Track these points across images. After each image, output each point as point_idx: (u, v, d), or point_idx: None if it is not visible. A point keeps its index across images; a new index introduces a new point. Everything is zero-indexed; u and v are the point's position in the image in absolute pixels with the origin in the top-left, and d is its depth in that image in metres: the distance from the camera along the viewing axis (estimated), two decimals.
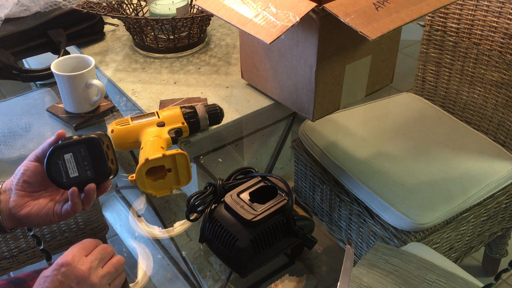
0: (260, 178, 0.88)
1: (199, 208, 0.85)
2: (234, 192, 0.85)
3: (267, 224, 0.81)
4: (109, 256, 0.70)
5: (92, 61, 1.12)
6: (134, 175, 0.89)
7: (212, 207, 0.86)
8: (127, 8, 1.40)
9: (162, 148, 0.92)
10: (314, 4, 0.87)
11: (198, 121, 1.01)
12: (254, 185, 0.86)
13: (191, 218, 0.87)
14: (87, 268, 0.66)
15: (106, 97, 1.18)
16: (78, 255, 0.67)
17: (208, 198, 0.86)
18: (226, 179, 0.90)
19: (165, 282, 0.92)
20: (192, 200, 0.85)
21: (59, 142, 0.75)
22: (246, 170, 0.91)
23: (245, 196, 0.84)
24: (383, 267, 0.93)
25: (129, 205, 1.18)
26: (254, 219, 0.80)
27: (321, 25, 0.93)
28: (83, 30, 1.36)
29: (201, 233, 0.85)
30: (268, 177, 0.88)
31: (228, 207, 0.83)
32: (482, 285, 0.77)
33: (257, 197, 0.85)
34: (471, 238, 1.24)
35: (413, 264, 0.93)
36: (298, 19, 0.86)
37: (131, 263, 0.97)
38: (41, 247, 0.80)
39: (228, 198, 0.84)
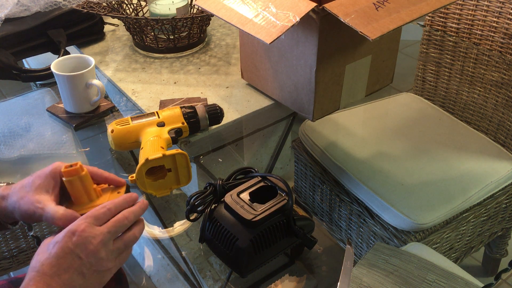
0: (260, 178, 0.88)
1: (199, 208, 0.85)
2: (234, 192, 0.85)
3: (267, 224, 0.80)
4: (123, 230, 0.69)
5: (92, 61, 1.12)
6: (134, 175, 0.89)
7: (212, 207, 0.86)
8: (127, 8, 1.40)
9: (162, 148, 0.92)
10: (314, 4, 0.87)
11: (198, 121, 1.01)
12: (254, 185, 0.86)
13: (191, 218, 0.87)
14: (98, 241, 0.65)
15: (106, 97, 1.18)
16: (91, 226, 0.66)
17: (208, 198, 0.86)
18: (226, 179, 0.90)
19: (165, 282, 0.92)
20: (192, 200, 0.85)
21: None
22: (246, 170, 0.91)
23: (245, 196, 0.84)
24: (383, 267, 0.93)
25: None
26: (254, 219, 0.79)
27: (321, 25, 0.93)
28: (83, 30, 1.36)
29: (201, 233, 0.85)
30: (268, 177, 0.88)
31: (228, 207, 0.83)
32: (482, 285, 0.77)
33: (257, 197, 0.85)
34: (471, 238, 1.24)
35: (413, 264, 0.93)
36: (298, 19, 0.86)
37: (131, 263, 0.97)
38: None
39: (228, 198, 0.84)
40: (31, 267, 0.64)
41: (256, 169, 0.91)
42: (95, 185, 0.76)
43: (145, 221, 0.98)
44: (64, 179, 0.72)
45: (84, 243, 0.64)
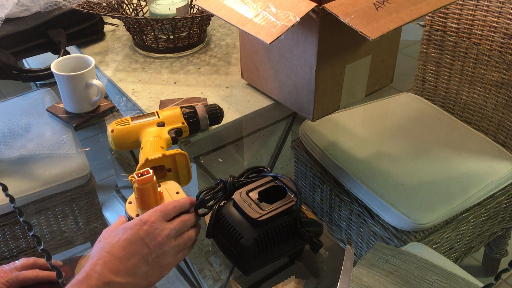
0: (271, 178, 0.88)
1: (209, 204, 0.86)
2: (243, 190, 0.85)
3: (273, 224, 0.80)
4: (185, 229, 0.74)
5: (92, 61, 1.12)
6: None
7: (222, 203, 0.86)
8: (127, 8, 1.40)
9: (162, 148, 0.92)
10: (314, 4, 0.87)
11: (198, 121, 1.01)
12: (264, 184, 0.86)
13: (200, 213, 0.87)
14: (165, 235, 0.70)
15: (106, 97, 1.18)
16: (160, 219, 0.71)
17: (218, 194, 0.86)
18: (238, 176, 0.89)
19: (165, 282, 0.92)
20: (201, 195, 0.85)
21: None
22: (258, 169, 0.91)
23: (254, 195, 0.84)
24: (383, 267, 0.93)
25: None
26: (259, 218, 0.79)
27: (321, 25, 0.93)
28: (83, 30, 1.36)
29: (209, 228, 0.85)
30: (279, 178, 0.88)
31: (236, 205, 0.83)
32: (482, 285, 0.77)
33: (266, 196, 0.85)
34: (471, 238, 1.24)
35: (413, 264, 0.93)
36: (298, 19, 0.86)
37: None
38: (41, 247, 0.80)
39: (236, 195, 0.84)
40: (99, 248, 0.67)
41: (268, 169, 0.91)
42: (158, 188, 0.80)
43: None
44: (136, 186, 0.76)
45: (153, 233, 0.69)
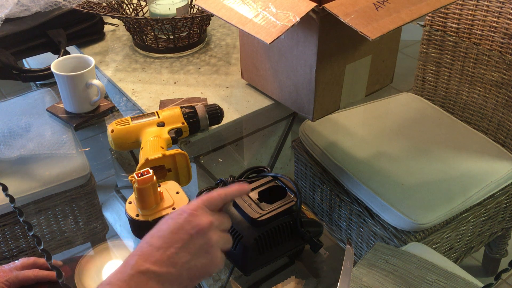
0: (271, 178, 0.88)
1: None
2: None
3: (273, 224, 0.80)
4: (226, 227, 0.69)
5: (92, 61, 1.12)
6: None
7: None
8: (127, 8, 1.40)
9: (162, 148, 0.92)
10: (314, 4, 0.87)
11: (198, 121, 1.01)
12: (264, 184, 0.86)
13: None
14: (208, 222, 0.65)
15: (106, 97, 1.18)
16: (202, 207, 0.67)
17: None
18: (238, 176, 0.90)
19: None
20: (201, 195, 0.85)
21: None
22: (258, 169, 0.91)
23: (254, 195, 0.84)
24: (383, 267, 0.93)
25: None
26: (259, 218, 0.79)
27: (321, 25, 0.93)
28: (83, 30, 1.36)
29: None
30: (279, 178, 0.88)
31: (236, 205, 0.83)
32: (482, 285, 0.77)
33: (266, 197, 0.85)
34: (471, 238, 1.24)
35: (413, 264, 0.93)
36: (298, 19, 0.86)
37: None
38: (41, 247, 0.80)
39: None
40: (142, 239, 0.64)
41: (268, 169, 0.91)
42: (158, 188, 0.80)
43: None
44: (136, 186, 0.75)
45: (194, 220, 0.64)
